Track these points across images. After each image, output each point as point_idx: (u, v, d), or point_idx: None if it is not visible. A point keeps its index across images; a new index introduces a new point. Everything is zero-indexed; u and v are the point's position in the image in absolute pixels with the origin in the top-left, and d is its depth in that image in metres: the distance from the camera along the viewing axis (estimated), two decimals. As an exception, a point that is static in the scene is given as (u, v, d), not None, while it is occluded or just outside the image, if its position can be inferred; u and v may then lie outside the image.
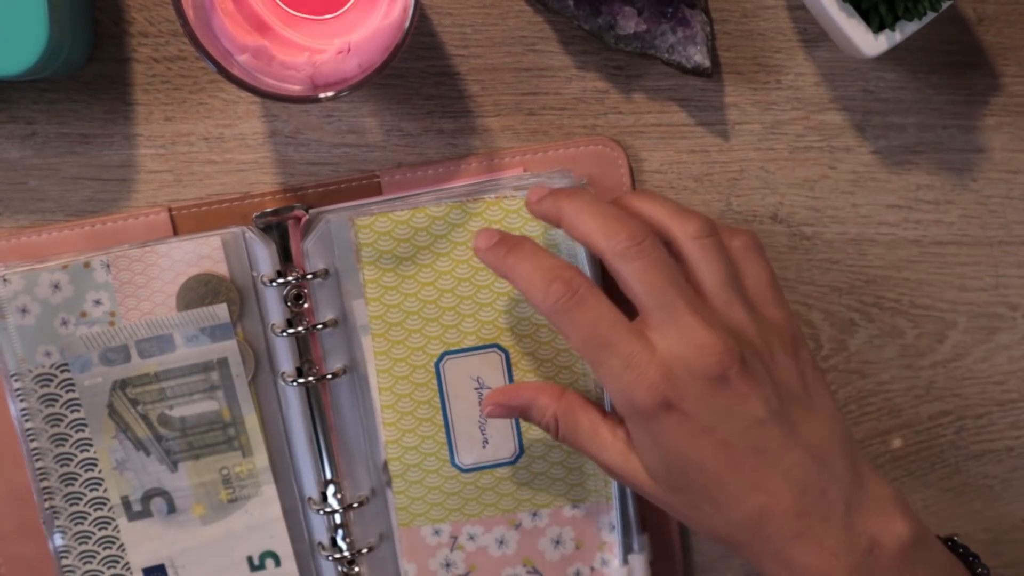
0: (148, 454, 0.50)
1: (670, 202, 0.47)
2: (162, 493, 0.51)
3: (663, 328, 0.43)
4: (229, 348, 0.50)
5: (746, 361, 0.43)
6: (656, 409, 0.42)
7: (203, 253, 0.50)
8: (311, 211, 0.51)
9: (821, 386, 0.46)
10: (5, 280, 0.49)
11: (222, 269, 0.50)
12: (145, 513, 0.51)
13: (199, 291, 0.50)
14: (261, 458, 0.51)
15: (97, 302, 0.50)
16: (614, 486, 0.52)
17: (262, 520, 0.51)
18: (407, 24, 0.43)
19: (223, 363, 0.50)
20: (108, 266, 0.50)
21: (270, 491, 0.51)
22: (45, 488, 0.50)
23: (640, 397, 0.42)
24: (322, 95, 0.44)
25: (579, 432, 0.47)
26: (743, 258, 0.46)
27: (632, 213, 0.47)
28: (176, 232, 0.52)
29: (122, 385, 0.50)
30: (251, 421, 0.51)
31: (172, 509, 0.51)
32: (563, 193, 0.47)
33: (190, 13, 0.42)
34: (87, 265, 0.49)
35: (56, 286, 0.49)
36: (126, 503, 0.50)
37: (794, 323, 0.46)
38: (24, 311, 0.49)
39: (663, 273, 0.43)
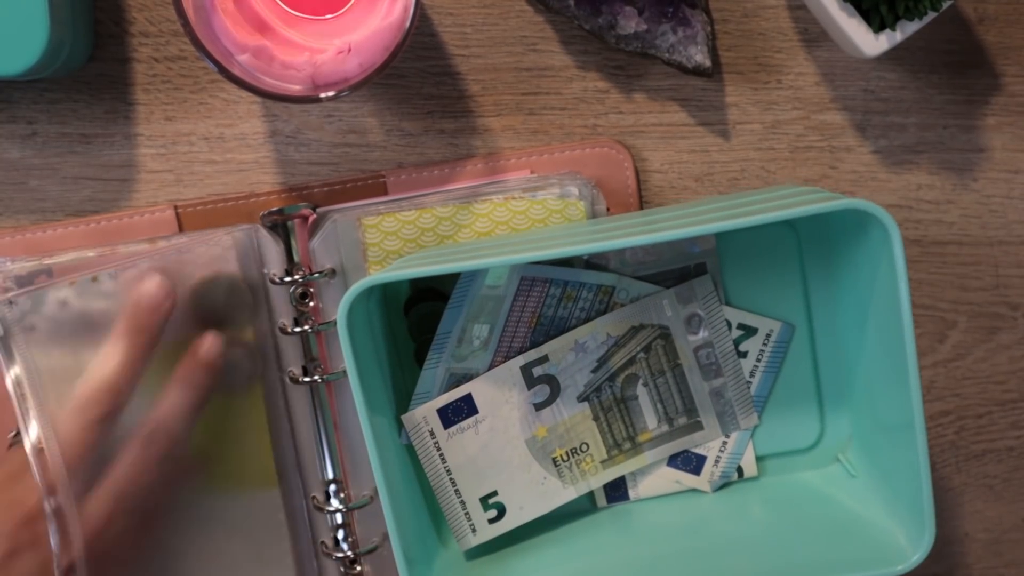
0: None
1: None
2: None
3: None
4: None
5: None
6: None
7: (215, 254, 0.50)
8: (318, 210, 0.51)
9: None
10: (11, 303, 0.47)
11: (233, 268, 0.50)
12: None
13: (213, 294, 0.49)
14: None
15: (106, 312, 0.48)
16: None
17: None
18: (407, 24, 0.43)
19: None
20: (115, 277, 0.47)
21: None
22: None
23: None
24: (323, 95, 0.44)
25: None
26: None
27: None
28: (182, 229, 0.52)
29: None
30: None
31: None
32: None
33: (191, 13, 0.42)
34: (95, 280, 0.48)
35: (64, 303, 0.48)
36: None
37: None
38: (32, 330, 0.48)
39: None
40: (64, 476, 0.42)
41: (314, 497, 0.52)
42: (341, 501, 0.52)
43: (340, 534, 0.52)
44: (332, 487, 0.52)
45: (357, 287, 0.43)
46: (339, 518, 0.52)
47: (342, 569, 0.53)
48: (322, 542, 0.53)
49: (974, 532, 0.58)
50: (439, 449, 0.49)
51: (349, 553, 0.52)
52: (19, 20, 0.46)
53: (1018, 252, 0.55)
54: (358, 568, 0.52)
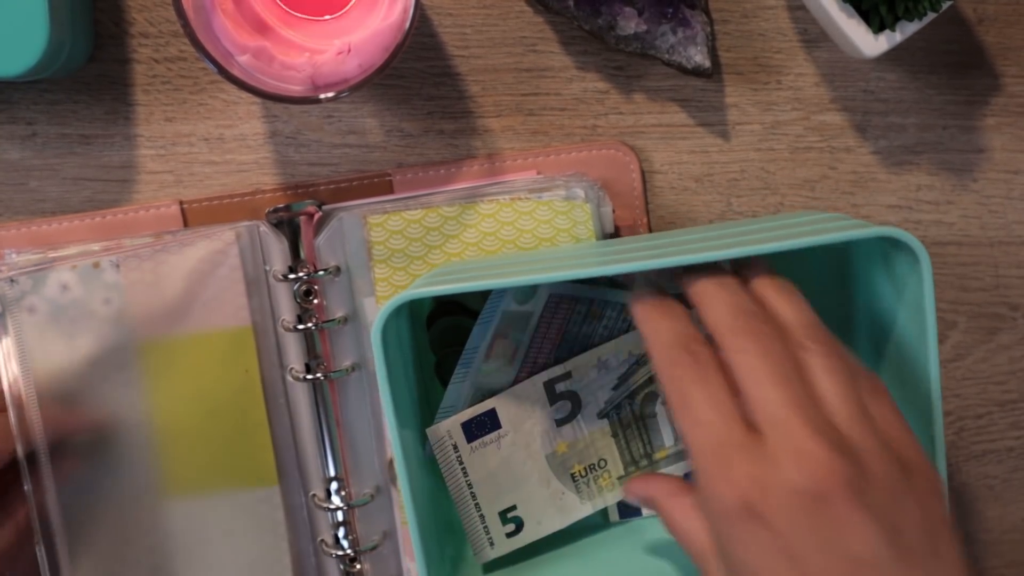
0: None
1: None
2: None
3: (766, 425, 0.37)
4: None
5: (856, 486, 0.36)
6: (734, 510, 0.37)
7: (216, 248, 0.50)
8: (323, 208, 0.52)
9: (953, 554, 0.37)
10: (13, 281, 0.48)
11: (235, 263, 0.50)
12: None
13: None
14: None
15: (107, 301, 0.49)
16: None
17: None
18: (407, 25, 0.43)
19: None
20: (118, 266, 0.48)
21: None
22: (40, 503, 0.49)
23: (719, 490, 0.37)
24: (322, 96, 0.44)
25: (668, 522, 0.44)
26: (870, 395, 0.40)
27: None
28: (187, 225, 0.52)
29: None
30: None
31: None
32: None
33: (191, 13, 0.42)
34: (96, 266, 0.49)
35: (65, 287, 0.48)
36: None
37: (938, 476, 0.39)
38: (32, 310, 0.48)
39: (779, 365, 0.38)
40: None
41: (314, 495, 0.52)
42: (342, 499, 0.52)
43: (340, 532, 0.52)
44: (333, 485, 0.52)
45: (394, 301, 0.43)
46: (340, 516, 0.52)
47: (342, 567, 0.53)
48: (322, 540, 0.53)
49: (974, 532, 0.58)
50: (461, 463, 0.49)
51: (349, 551, 0.52)
52: (19, 21, 0.46)
53: (1018, 252, 0.56)
54: (358, 566, 0.52)
